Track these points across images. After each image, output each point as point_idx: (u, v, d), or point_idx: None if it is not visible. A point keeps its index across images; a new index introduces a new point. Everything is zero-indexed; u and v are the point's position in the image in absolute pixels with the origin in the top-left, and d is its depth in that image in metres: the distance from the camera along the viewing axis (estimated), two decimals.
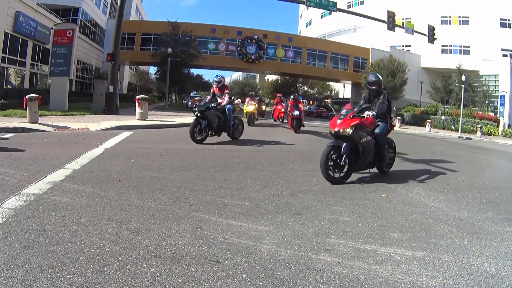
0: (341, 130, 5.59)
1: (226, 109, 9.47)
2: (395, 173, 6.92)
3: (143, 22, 49.39)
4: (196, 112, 9.04)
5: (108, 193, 4.24)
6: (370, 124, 5.89)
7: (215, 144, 9.11)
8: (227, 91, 9.85)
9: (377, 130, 6.03)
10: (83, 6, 33.38)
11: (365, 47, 44.70)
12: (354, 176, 6.24)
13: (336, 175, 5.66)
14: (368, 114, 5.77)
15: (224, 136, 10.71)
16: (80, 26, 31.73)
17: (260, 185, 5.16)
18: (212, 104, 9.13)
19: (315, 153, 8.82)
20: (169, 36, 34.46)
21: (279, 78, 57.25)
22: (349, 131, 5.52)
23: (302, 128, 15.14)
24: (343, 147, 5.59)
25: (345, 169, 5.69)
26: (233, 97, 11.54)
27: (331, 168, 5.63)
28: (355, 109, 5.87)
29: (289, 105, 15.90)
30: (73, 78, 28.16)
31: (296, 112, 14.48)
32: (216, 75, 10.41)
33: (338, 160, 5.65)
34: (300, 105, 15.50)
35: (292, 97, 16.14)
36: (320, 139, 12.56)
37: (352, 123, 5.56)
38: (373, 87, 6.25)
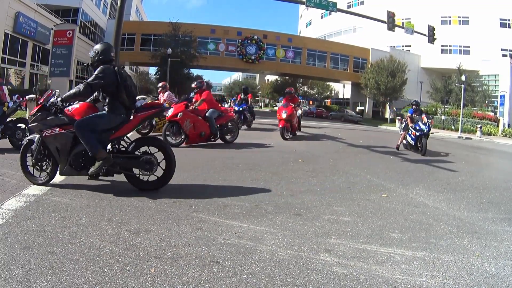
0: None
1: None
2: (395, 173, 6.92)
3: (143, 23, 49.45)
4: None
5: (108, 193, 4.24)
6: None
7: (215, 144, 9.11)
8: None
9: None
10: (83, 7, 33.41)
11: (365, 47, 44.74)
12: (354, 176, 6.25)
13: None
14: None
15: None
16: (80, 26, 31.78)
17: (260, 186, 5.16)
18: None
19: (315, 154, 8.84)
20: (169, 36, 34.49)
21: (279, 79, 57.27)
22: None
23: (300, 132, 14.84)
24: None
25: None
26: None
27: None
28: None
29: (282, 103, 12.70)
30: (73, 79, 28.12)
31: (284, 114, 11.33)
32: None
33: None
34: (293, 103, 12.28)
35: (287, 90, 13.52)
36: (321, 139, 12.57)
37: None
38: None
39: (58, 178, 4.79)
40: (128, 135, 4.47)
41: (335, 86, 55.99)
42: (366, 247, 3.11)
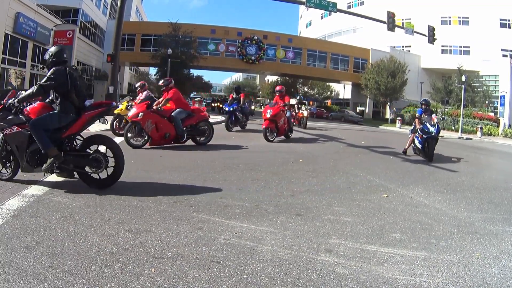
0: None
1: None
2: (395, 173, 6.92)
3: (143, 23, 49.43)
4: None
5: (109, 193, 4.24)
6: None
7: (215, 145, 9.10)
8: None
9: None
10: (83, 7, 33.40)
11: (365, 47, 44.72)
12: (355, 177, 6.25)
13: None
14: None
15: (224, 138, 10.73)
16: (80, 27, 31.80)
17: (261, 186, 5.16)
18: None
19: (315, 154, 8.84)
20: (169, 37, 34.49)
21: (279, 79, 57.25)
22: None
23: (303, 130, 14.61)
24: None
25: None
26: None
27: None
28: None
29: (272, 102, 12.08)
30: None
31: (268, 114, 10.66)
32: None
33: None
34: (283, 102, 11.42)
35: (277, 89, 12.55)
36: (321, 140, 12.57)
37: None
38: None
39: (58, 178, 4.79)
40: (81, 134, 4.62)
41: (336, 87, 55.98)
42: (367, 247, 3.11)
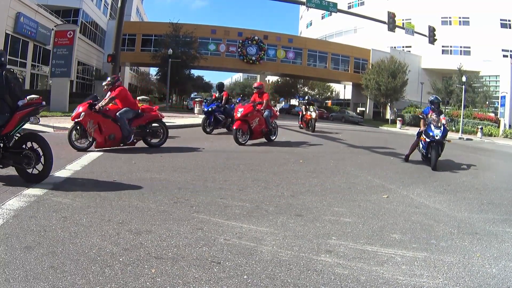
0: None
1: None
2: (396, 174, 6.92)
3: (143, 23, 49.45)
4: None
5: (109, 194, 4.24)
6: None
7: (214, 145, 9.11)
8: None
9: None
10: (83, 7, 33.41)
11: (366, 48, 44.70)
12: (355, 177, 6.25)
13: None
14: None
15: (225, 138, 10.72)
16: (81, 27, 31.78)
17: (261, 186, 5.16)
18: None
19: (316, 155, 8.84)
20: (170, 37, 34.51)
21: (280, 79, 57.29)
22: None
23: (303, 130, 14.18)
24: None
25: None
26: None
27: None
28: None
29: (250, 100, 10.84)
30: (73, 79, 28.20)
31: (239, 113, 9.67)
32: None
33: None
34: (261, 100, 10.41)
35: (255, 85, 11.54)
36: (321, 140, 12.56)
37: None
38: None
39: (58, 178, 4.80)
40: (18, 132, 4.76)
41: (336, 87, 55.98)
42: (367, 248, 3.11)
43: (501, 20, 43.24)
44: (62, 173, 5.17)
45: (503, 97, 28.98)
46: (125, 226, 3.28)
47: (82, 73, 35.84)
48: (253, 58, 42.02)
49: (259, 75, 56.34)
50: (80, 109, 7.30)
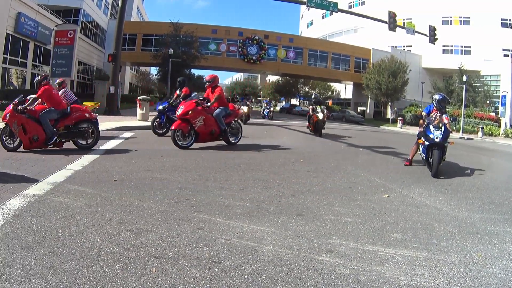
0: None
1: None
2: (396, 173, 6.91)
3: (144, 23, 49.45)
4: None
5: (110, 194, 4.24)
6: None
7: (215, 145, 9.10)
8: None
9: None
10: (84, 7, 33.41)
11: (366, 47, 44.68)
12: (356, 177, 6.24)
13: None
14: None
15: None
16: (81, 27, 31.78)
17: (262, 186, 5.16)
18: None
19: (316, 154, 8.84)
20: (170, 37, 34.50)
21: (280, 79, 57.25)
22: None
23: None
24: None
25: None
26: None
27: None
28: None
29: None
30: (74, 79, 28.21)
31: (179, 110, 8.50)
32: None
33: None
34: (213, 96, 8.83)
35: (207, 78, 9.90)
36: (322, 140, 12.56)
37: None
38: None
39: (59, 178, 4.80)
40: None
41: (337, 87, 55.96)
42: (368, 248, 3.10)
43: (501, 19, 43.18)
44: (63, 172, 5.18)
45: (504, 97, 28.92)
46: (126, 225, 3.28)
47: (82, 73, 35.85)
48: (254, 57, 42.01)
49: (259, 75, 56.47)
50: (6, 109, 7.12)
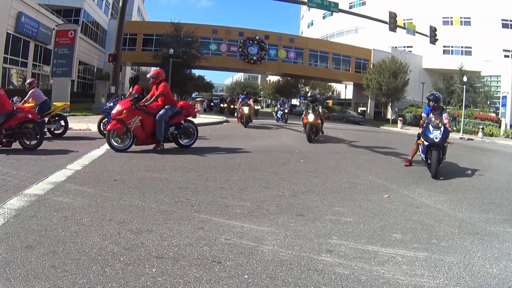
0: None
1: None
2: (397, 173, 6.91)
3: (144, 23, 49.44)
4: None
5: (110, 193, 4.25)
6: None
7: (215, 145, 9.10)
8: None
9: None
10: (84, 7, 33.46)
11: (367, 48, 44.68)
12: (356, 177, 6.24)
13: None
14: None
15: (226, 138, 10.73)
16: (82, 26, 31.80)
17: (262, 186, 5.16)
18: None
19: (317, 154, 8.83)
20: (171, 37, 34.49)
21: (281, 79, 57.25)
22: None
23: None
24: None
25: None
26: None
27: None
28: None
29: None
30: (74, 79, 28.21)
31: (114, 110, 7.68)
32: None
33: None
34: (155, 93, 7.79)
35: (151, 74, 8.61)
36: (322, 140, 12.55)
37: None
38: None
39: (59, 178, 4.81)
40: None
41: (337, 87, 55.94)
42: (368, 248, 3.10)
43: (502, 20, 43.14)
44: (63, 172, 5.18)
45: (504, 97, 28.90)
46: (126, 225, 3.28)
47: (83, 73, 35.89)
48: (254, 58, 42.00)
49: (260, 75, 56.48)
50: None
